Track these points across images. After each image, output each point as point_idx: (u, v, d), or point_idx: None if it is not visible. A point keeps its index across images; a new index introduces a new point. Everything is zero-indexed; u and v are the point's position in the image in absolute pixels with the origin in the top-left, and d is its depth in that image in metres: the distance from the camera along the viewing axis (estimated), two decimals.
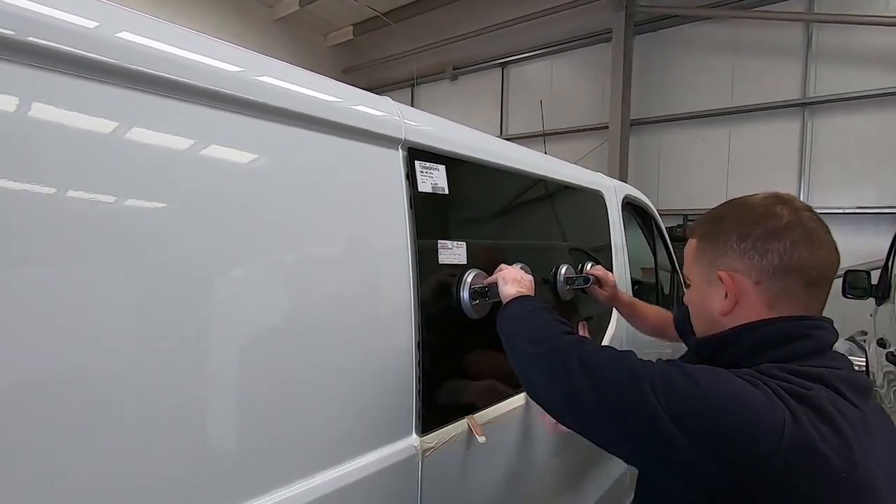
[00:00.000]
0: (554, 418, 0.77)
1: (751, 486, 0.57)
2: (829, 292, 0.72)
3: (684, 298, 0.86)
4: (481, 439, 1.03)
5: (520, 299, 0.96)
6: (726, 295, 0.73)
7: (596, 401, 0.68)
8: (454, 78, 8.88)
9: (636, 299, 1.58)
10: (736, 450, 0.58)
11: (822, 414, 0.59)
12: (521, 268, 1.23)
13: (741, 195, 0.80)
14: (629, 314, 1.55)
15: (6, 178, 0.50)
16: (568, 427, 0.76)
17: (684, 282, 0.83)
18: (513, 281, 1.03)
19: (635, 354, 0.71)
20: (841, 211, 5.55)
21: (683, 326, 1.37)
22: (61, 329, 0.53)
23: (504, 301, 0.99)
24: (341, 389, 0.83)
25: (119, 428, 0.57)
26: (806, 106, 5.86)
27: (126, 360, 0.58)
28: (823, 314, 0.73)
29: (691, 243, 0.81)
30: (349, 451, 0.83)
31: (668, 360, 0.69)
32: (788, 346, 0.67)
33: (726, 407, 0.59)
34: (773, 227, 0.69)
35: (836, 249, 0.71)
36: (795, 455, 0.56)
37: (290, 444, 0.75)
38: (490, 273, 1.14)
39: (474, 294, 1.07)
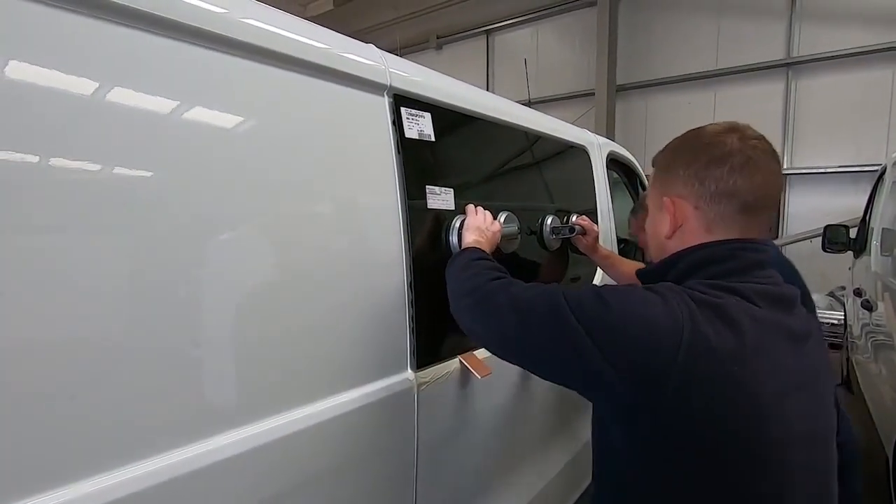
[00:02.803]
0: (504, 359, 0.81)
1: (657, 392, 0.61)
2: (770, 217, 0.76)
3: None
4: (483, 374, 1.09)
5: (465, 252, 0.99)
6: (668, 220, 0.78)
7: (527, 334, 0.73)
8: (439, 47, 8.75)
9: (613, 252, 1.66)
10: (639, 357, 0.62)
11: (724, 316, 0.64)
12: (507, 217, 1.27)
13: None
14: (606, 265, 1.60)
15: None
16: (518, 365, 0.81)
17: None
18: (474, 229, 1.07)
19: (561, 286, 0.76)
20: (823, 170, 5.64)
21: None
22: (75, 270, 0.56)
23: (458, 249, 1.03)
24: (340, 326, 0.87)
25: (142, 359, 0.61)
26: (790, 66, 5.88)
27: (147, 298, 0.61)
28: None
29: (652, 173, 0.85)
30: (351, 382, 0.88)
31: (592, 286, 0.75)
32: (714, 267, 0.72)
33: (629, 318, 0.64)
34: (715, 156, 0.72)
35: (778, 176, 0.74)
36: (693, 357, 0.60)
37: (297, 372, 0.79)
38: None
39: (462, 238, 1.11)
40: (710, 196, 0.73)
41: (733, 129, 0.74)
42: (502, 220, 1.26)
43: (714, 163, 0.72)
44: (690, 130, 0.80)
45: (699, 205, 0.74)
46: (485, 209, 1.15)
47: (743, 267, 0.72)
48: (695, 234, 0.75)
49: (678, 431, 0.63)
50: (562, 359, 0.69)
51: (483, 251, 1.00)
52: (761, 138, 0.74)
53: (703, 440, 0.63)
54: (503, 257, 1.31)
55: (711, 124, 0.77)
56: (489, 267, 0.91)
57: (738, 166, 0.71)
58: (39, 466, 0.53)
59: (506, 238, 1.26)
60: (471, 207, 1.14)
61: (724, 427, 0.62)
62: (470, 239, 1.05)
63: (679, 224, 0.76)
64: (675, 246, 0.77)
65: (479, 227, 1.08)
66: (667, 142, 0.84)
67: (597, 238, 1.56)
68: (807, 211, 5.74)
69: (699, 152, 0.74)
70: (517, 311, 0.75)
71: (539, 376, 0.78)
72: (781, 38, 5.93)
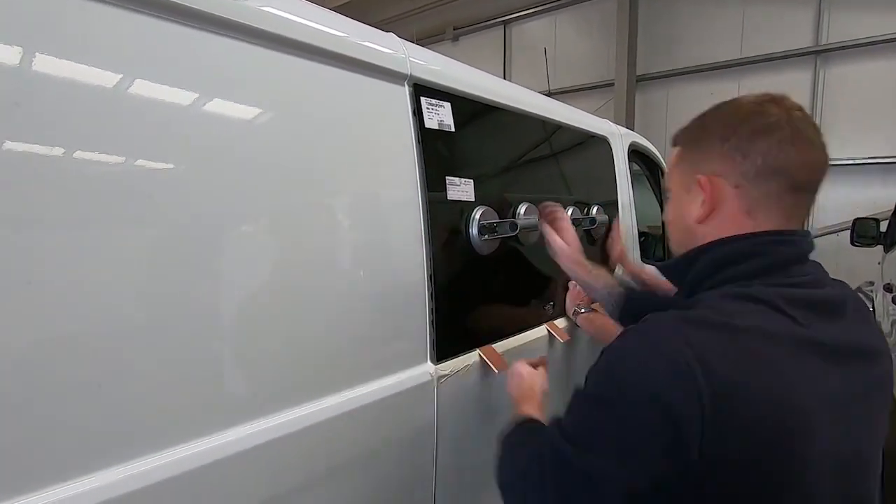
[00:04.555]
0: None
1: (691, 458, 0.53)
2: (813, 202, 0.66)
3: (663, 216, 0.80)
4: (500, 368, 1.08)
5: (514, 432, 0.86)
6: (702, 202, 0.67)
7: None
8: (455, 39, 8.68)
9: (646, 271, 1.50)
10: (662, 444, 0.54)
11: (745, 341, 0.55)
12: (527, 209, 1.24)
13: None
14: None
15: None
16: None
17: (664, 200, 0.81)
18: (521, 389, 0.96)
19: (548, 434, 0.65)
20: (852, 162, 5.47)
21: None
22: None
23: (514, 409, 0.93)
24: (360, 318, 0.86)
25: (168, 351, 0.61)
26: (818, 54, 5.69)
27: (169, 291, 0.62)
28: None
29: (673, 152, 0.75)
30: (371, 374, 0.88)
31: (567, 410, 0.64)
32: (743, 266, 0.63)
33: (641, 400, 0.55)
34: (760, 126, 0.63)
35: (826, 153, 0.65)
36: (715, 405, 0.52)
37: (317, 365, 0.79)
38: (498, 211, 1.16)
39: (483, 230, 1.10)
40: (756, 172, 0.62)
41: (772, 98, 0.65)
42: (522, 211, 1.24)
43: (759, 134, 0.62)
44: (720, 103, 0.70)
45: (741, 182, 0.64)
46: (526, 370, 1.01)
47: (770, 265, 0.62)
48: (733, 218, 0.65)
49: (710, 479, 0.55)
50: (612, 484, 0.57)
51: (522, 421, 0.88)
52: (803, 109, 0.65)
53: (738, 484, 0.55)
54: (522, 250, 1.29)
55: (745, 95, 0.68)
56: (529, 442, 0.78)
57: (787, 138, 0.61)
58: (59, 457, 0.54)
59: (525, 230, 1.24)
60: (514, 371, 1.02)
61: (757, 468, 0.54)
62: (515, 395, 0.95)
63: (714, 206, 0.66)
64: (708, 233, 0.67)
65: (527, 396, 0.95)
66: None
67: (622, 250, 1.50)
68: (834, 204, 5.56)
69: (739, 123, 0.64)
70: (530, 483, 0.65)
71: None
72: (809, 25, 5.74)
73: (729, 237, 0.65)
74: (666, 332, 0.57)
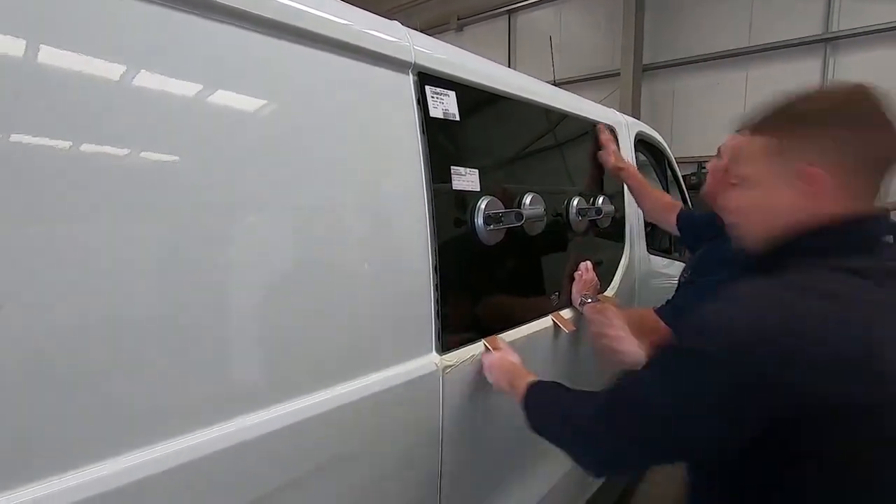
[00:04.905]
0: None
1: (786, 406, 0.58)
2: None
3: (725, 200, 0.80)
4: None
5: (531, 391, 0.92)
6: (801, 191, 0.67)
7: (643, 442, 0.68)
8: (460, 29, 8.62)
9: (644, 180, 1.69)
10: (758, 394, 0.58)
11: (839, 302, 0.59)
12: (532, 198, 1.23)
13: None
14: (638, 192, 1.67)
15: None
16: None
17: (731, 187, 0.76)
18: (502, 373, 1.02)
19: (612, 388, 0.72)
20: None
21: (689, 228, 1.52)
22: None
23: (512, 394, 0.97)
24: (365, 309, 0.86)
25: (173, 341, 0.61)
26: (828, 42, 5.62)
27: (176, 282, 0.62)
28: None
29: (750, 140, 0.73)
30: (376, 364, 0.88)
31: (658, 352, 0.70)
32: (833, 248, 0.65)
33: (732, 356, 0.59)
34: (860, 116, 0.65)
35: None
36: (800, 346, 0.56)
37: (322, 355, 0.79)
38: (504, 201, 1.15)
39: (488, 220, 1.09)
40: (863, 162, 0.65)
41: (861, 90, 0.67)
42: (528, 201, 1.23)
43: (861, 125, 0.64)
44: (807, 91, 0.71)
45: (845, 172, 0.65)
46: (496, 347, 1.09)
47: (865, 245, 0.66)
48: (834, 207, 0.66)
49: (800, 436, 0.59)
50: (699, 438, 0.64)
51: (540, 384, 0.93)
52: (888, 97, 0.67)
53: (828, 440, 0.59)
54: (528, 240, 1.29)
55: (831, 86, 0.70)
56: (567, 395, 0.86)
57: (885, 129, 0.64)
58: (61, 447, 0.54)
59: (531, 220, 1.24)
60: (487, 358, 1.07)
61: (850, 426, 0.58)
62: (515, 382, 0.97)
63: (815, 195, 0.66)
64: (804, 222, 0.67)
65: (507, 369, 1.02)
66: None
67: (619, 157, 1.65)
68: None
69: (839, 114, 0.66)
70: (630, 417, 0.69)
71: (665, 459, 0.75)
72: (819, 12, 5.65)
73: (822, 224, 0.66)
74: (765, 295, 0.61)
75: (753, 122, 0.74)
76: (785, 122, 0.71)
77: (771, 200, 0.71)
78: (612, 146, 1.69)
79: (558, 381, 0.93)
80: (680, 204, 1.62)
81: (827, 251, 0.65)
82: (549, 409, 0.85)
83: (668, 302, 1.35)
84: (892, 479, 0.62)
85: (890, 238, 0.68)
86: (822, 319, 0.58)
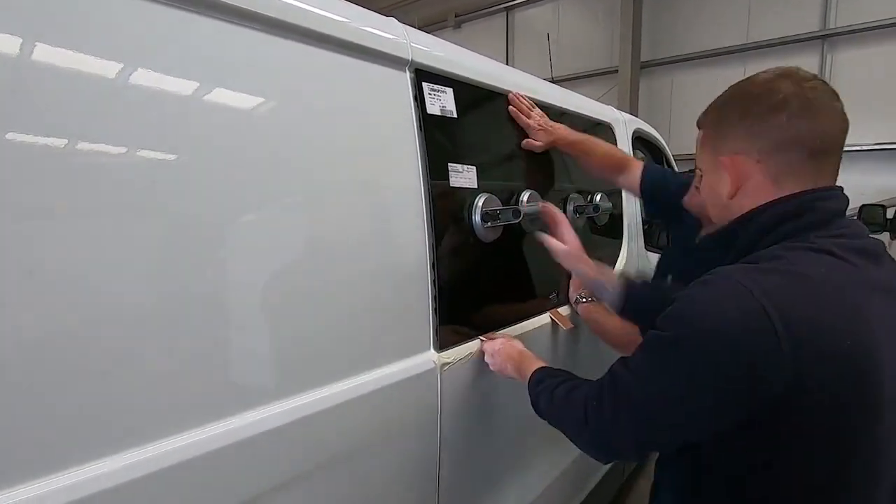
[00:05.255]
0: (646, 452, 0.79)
1: (771, 398, 0.58)
2: (839, 159, 0.71)
3: (688, 199, 0.85)
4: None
5: (536, 375, 0.93)
6: (736, 178, 0.71)
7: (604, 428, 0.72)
8: (457, 26, 8.60)
9: (587, 136, 1.38)
10: (741, 386, 0.59)
11: (814, 286, 0.59)
12: (530, 196, 1.23)
13: None
14: (581, 154, 1.37)
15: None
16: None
17: (697, 176, 0.82)
18: (506, 359, 1.02)
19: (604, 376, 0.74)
20: (859, 148, 5.42)
21: (652, 190, 1.31)
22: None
23: (519, 378, 0.99)
24: (362, 306, 0.86)
25: (177, 337, 0.61)
26: (826, 38, 5.62)
27: (175, 280, 0.61)
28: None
29: (699, 134, 0.80)
30: (374, 362, 0.88)
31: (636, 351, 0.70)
32: (789, 224, 0.67)
33: (713, 349, 0.59)
34: (772, 103, 0.67)
35: (843, 114, 0.68)
36: (796, 345, 0.56)
37: (318, 353, 0.79)
38: (501, 198, 1.15)
39: (486, 217, 1.09)
40: (773, 147, 0.67)
41: (785, 73, 0.69)
42: (525, 198, 1.23)
43: (771, 111, 0.67)
44: (736, 83, 0.75)
45: (761, 158, 0.69)
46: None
47: (821, 220, 0.67)
48: (762, 189, 0.69)
49: (783, 415, 0.60)
50: (682, 427, 0.66)
51: (541, 369, 0.94)
52: (816, 78, 0.69)
53: (811, 417, 0.60)
54: (525, 237, 1.29)
55: (760, 73, 0.72)
56: (566, 382, 0.86)
57: (797, 111, 0.66)
58: (63, 444, 0.54)
59: (529, 217, 1.24)
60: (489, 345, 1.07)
61: (834, 401, 0.59)
62: (521, 368, 0.99)
63: (740, 183, 0.71)
64: (741, 205, 0.72)
65: (510, 356, 1.03)
66: (693, 120, 0.80)
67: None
68: None
69: (752, 103, 0.69)
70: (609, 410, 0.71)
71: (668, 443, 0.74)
72: (817, 9, 5.66)
73: (776, 199, 0.68)
74: (738, 279, 0.61)
75: (700, 118, 0.79)
76: (713, 114, 0.76)
77: (713, 190, 0.76)
78: (523, 118, 1.27)
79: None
80: (639, 161, 1.38)
81: (785, 231, 0.67)
82: (554, 393, 0.86)
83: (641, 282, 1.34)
84: (862, 472, 0.63)
85: (853, 216, 0.70)
86: (792, 298, 0.58)
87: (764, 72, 0.72)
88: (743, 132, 0.70)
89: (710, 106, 0.78)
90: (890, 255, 0.70)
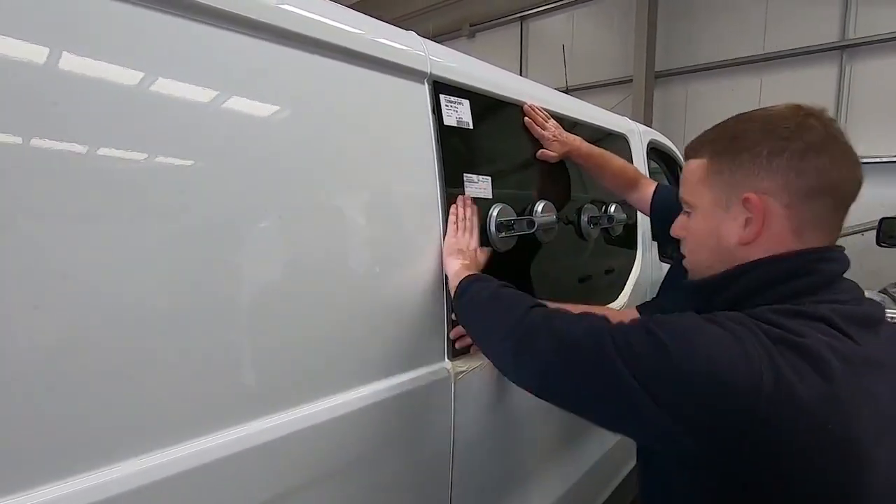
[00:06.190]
0: (541, 398, 0.71)
1: (733, 446, 0.53)
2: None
3: (674, 228, 0.75)
4: None
5: (472, 281, 0.88)
6: (746, 221, 0.63)
7: (569, 379, 0.65)
8: (471, 35, 8.65)
9: (602, 150, 1.38)
10: (708, 411, 0.53)
11: (809, 357, 0.53)
12: (544, 206, 1.24)
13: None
14: (595, 168, 1.37)
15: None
16: (556, 405, 0.70)
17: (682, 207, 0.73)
18: (456, 252, 0.95)
19: (607, 321, 0.65)
20: (879, 160, 5.32)
21: (660, 210, 1.30)
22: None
23: (450, 280, 0.94)
24: (378, 315, 0.87)
25: (193, 343, 0.63)
26: (844, 49, 5.55)
27: (186, 286, 0.63)
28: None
29: (696, 164, 0.70)
30: (388, 371, 0.88)
31: (640, 320, 0.62)
32: (791, 284, 0.60)
33: (693, 365, 0.53)
34: (812, 142, 0.60)
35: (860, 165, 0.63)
36: (776, 408, 0.51)
37: (334, 361, 0.80)
38: (516, 208, 1.16)
39: (501, 227, 1.10)
40: (807, 192, 0.60)
41: (809, 111, 0.63)
42: (540, 208, 1.24)
43: (813, 150, 0.60)
44: (744, 115, 0.67)
45: (792, 203, 0.60)
46: (465, 222, 0.99)
47: (823, 282, 0.60)
48: (779, 239, 0.61)
49: (758, 484, 0.53)
50: (610, 409, 0.61)
51: (488, 277, 0.89)
52: (834, 121, 0.64)
53: (789, 495, 0.54)
54: (541, 247, 1.29)
55: (772, 106, 0.66)
56: (518, 296, 0.81)
57: (839, 156, 0.60)
58: (68, 451, 0.55)
59: (543, 228, 1.24)
60: (451, 221, 0.98)
61: (816, 480, 0.53)
62: (456, 265, 0.93)
63: (763, 227, 0.62)
64: (748, 254, 0.63)
65: (460, 250, 0.95)
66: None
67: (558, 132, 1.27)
68: (859, 203, 5.43)
69: (788, 137, 0.61)
70: (558, 351, 0.65)
71: (579, 416, 0.67)
72: (836, 19, 5.59)
73: (778, 255, 0.61)
74: (743, 327, 0.55)
75: (693, 145, 0.71)
76: (723, 145, 0.66)
77: (715, 229, 0.66)
78: (538, 129, 1.27)
79: None
80: (652, 181, 1.41)
81: (781, 291, 0.60)
82: (485, 306, 0.82)
83: (653, 300, 1.34)
84: None
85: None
86: (793, 377, 0.52)
87: (778, 106, 0.65)
88: (777, 169, 0.61)
89: (712, 134, 0.69)
90: (887, 321, 0.63)
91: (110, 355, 0.56)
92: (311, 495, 0.77)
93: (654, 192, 1.34)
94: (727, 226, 0.65)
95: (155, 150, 0.60)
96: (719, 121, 0.71)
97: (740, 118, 0.68)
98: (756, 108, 0.69)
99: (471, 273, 0.91)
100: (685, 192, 0.72)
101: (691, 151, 0.71)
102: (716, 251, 0.67)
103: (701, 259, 0.70)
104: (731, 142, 0.66)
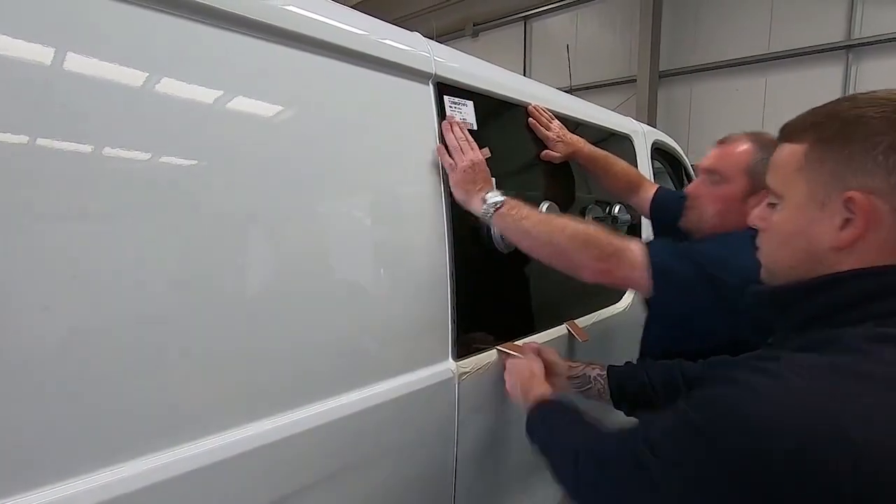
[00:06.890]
0: None
1: None
2: None
3: (754, 216, 0.66)
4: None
5: (538, 410, 0.88)
6: (844, 223, 0.54)
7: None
8: (475, 35, 8.66)
9: (605, 152, 1.39)
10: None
11: None
12: (549, 207, 1.24)
13: None
14: (596, 170, 1.39)
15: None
16: None
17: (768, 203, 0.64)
18: (517, 378, 0.98)
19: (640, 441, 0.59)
20: None
21: (661, 212, 1.33)
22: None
23: (524, 407, 0.93)
24: (383, 315, 0.88)
25: (197, 344, 0.63)
26: (850, 49, 5.53)
27: (190, 287, 0.64)
28: None
29: (791, 150, 0.59)
30: (393, 371, 0.89)
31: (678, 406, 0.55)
32: (887, 302, 0.52)
33: (777, 458, 0.45)
34: None
35: None
36: (872, 471, 0.43)
37: (339, 361, 0.80)
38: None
39: None
40: None
41: None
42: (544, 209, 1.24)
43: None
44: (859, 95, 0.56)
45: None
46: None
47: None
48: (884, 248, 0.53)
49: None
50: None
51: (553, 402, 0.88)
52: None
53: None
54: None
55: (878, 91, 0.56)
56: (574, 423, 0.78)
57: None
58: (72, 451, 0.56)
59: None
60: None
61: None
62: (530, 393, 0.93)
63: (866, 231, 0.53)
64: (839, 261, 0.55)
65: (527, 377, 0.97)
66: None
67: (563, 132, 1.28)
68: None
69: None
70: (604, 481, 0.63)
71: None
72: (841, 18, 5.57)
73: (882, 267, 0.52)
74: (813, 380, 0.47)
75: (794, 126, 0.61)
76: (830, 132, 0.56)
77: (806, 226, 0.57)
78: (542, 129, 1.29)
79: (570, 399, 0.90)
80: (654, 184, 1.42)
81: (879, 310, 0.52)
82: (560, 431, 0.79)
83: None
84: None
85: None
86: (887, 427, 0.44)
87: (881, 91, 0.56)
88: (893, 167, 0.51)
89: (818, 116, 0.58)
90: None
91: (118, 357, 0.57)
92: (317, 496, 0.77)
93: (654, 194, 1.37)
94: (820, 225, 0.56)
95: (165, 152, 0.61)
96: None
97: (856, 99, 0.56)
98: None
99: (539, 402, 0.89)
100: (773, 181, 0.62)
101: (788, 134, 0.61)
102: (800, 252, 0.58)
103: (781, 258, 0.62)
104: (841, 128, 0.55)
